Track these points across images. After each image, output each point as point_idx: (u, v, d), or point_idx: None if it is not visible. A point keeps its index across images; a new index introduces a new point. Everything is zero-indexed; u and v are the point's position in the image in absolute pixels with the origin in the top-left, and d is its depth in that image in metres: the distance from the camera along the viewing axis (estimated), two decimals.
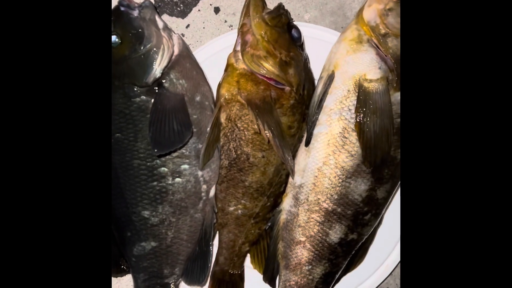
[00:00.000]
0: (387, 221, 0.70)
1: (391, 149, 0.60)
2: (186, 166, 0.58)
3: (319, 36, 0.71)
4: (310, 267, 0.65)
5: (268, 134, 0.58)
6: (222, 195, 0.64)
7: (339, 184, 0.61)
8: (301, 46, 0.63)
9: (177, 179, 0.58)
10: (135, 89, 0.55)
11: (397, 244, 0.73)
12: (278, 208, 0.66)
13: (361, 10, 0.64)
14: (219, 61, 0.65)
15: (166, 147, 0.53)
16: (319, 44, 0.69)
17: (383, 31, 0.60)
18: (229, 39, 0.67)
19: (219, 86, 0.62)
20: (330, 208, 0.62)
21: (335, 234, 0.63)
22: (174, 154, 0.57)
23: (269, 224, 0.67)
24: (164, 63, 0.55)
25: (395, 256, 0.73)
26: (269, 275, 0.68)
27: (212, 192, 0.62)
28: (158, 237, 0.60)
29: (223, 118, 0.61)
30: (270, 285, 0.69)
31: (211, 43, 0.68)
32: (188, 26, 0.74)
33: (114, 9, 0.56)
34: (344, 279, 0.71)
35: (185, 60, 0.58)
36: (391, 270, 0.74)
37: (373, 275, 0.73)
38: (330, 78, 0.62)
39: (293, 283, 0.66)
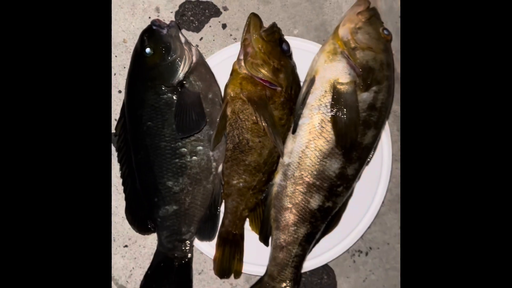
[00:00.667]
0: (357, 194, 0.88)
1: (358, 136, 0.78)
2: (200, 148, 0.76)
3: (305, 47, 0.88)
4: (295, 228, 0.83)
5: (264, 124, 0.76)
6: (227, 171, 0.82)
7: (318, 163, 0.79)
8: (290, 56, 0.81)
9: (194, 157, 0.76)
10: (164, 88, 0.73)
11: (366, 213, 0.90)
12: (271, 182, 0.83)
13: (337, 28, 0.81)
14: (226, 67, 0.82)
15: (187, 132, 0.72)
16: (305, 54, 0.86)
17: (353, 45, 0.78)
18: (234, 50, 0.85)
19: (226, 86, 0.79)
20: (311, 182, 0.80)
21: (315, 202, 0.81)
22: (192, 138, 0.75)
23: (264, 195, 0.84)
24: (186, 69, 0.73)
25: (365, 223, 0.90)
26: (264, 236, 0.85)
27: (220, 168, 0.80)
28: (178, 202, 0.78)
29: (229, 111, 0.79)
30: (264, 244, 0.86)
31: (220, 53, 0.85)
32: (201, 38, 0.91)
33: (148, 28, 0.74)
34: (322, 240, 0.88)
35: (201, 67, 0.75)
36: (361, 234, 0.90)
37: (347, 238, 0.90)
38: (312, 81, 0.79)
39: (282, 240, 0.83)
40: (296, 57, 0.83)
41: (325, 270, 0.94)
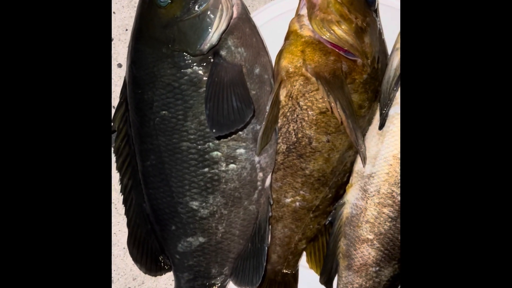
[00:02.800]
0: None
1: None
2: (242, 151, 0.50)
3: (388, 2, 0.61)
4: (377, 268, 0.57)
5: (340, 114, 0.49)
6: (278, 185, 0.56)
7: None
8: (375, 11, 0.54)
9: (231, 165, 0.50)
10: (187, 58, 0.47)
11: None
12: (341, 201, 0.57)
13: None
14: (277, 29, 0.55)
15: (226, 127, 0.45)
16: (388, 10, 0.60)
17: None
18: (288, 4, 0.58)
19: (279, 57, 0.53)
20: None
21: None
22: (230, 137, 0.49)
23: (329, 219, 0.59)
24: (223, 27, 0.46)
25: None
26: (327, 276, 0.60)
27: (268, 181, 0.54)
28: (207, 231, 0.52)
29: (282, 95, 0.53)
30: (326, 287, 0.61)
31: (267, 8, 0.59)
32: None
33: None
34: None
35: (244, 25, 0.49)
36: None
37: None
38: None
39: (357, 285, 0.58)
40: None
41: None
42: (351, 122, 0.50)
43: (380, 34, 0.54)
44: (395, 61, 0.53)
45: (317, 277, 0.61)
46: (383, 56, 0.55)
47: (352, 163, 0.57)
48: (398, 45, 0.54)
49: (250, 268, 0.55)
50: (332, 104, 0.49)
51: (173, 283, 0.61)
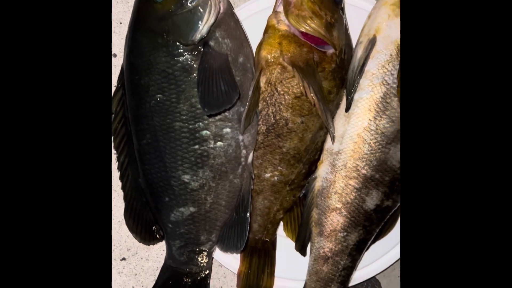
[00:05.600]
0: None
1: None
2: (228, 130, 0.57)
3: (353, 2, 0.69)
4: (345, 233, 0.65)
5: (313, 98, 0.57)
6: (259, 162, 0.63)
7: (379, 150, 0.61)
8: (342, 9, 0.62)
9: (219, 143, 0.57)
10: (180, 47, 0.53)
11: None
12: (313, 176, 0.65)
13: None
14: (257, 24, 0.62)
15: (216, 107, 0.52)
16: (354, 10, 0.68)
17: None
18: (266, 1, 0.65)
19: (259, 48, 0.60)
20: (368, 175, 0.62)
21: (372, 200, 0.63)
22: (217, 117, 0.55)
23: (303, 191, 0.66)
24: (211, 20, 0.52)
25: None
26: (301, 243, 0.68)
27: (250, 158, 0.61)
28: (197, 202, 0.59)
29: (262, 82, 0.60)
30: (301, 253, 0.68)
31: (247, 5, 0.66)
32: None
33: None
34: (372, 247, 0.71)
35: (229, 19, 0.55)
36: None
37: (399, 244, 0.74)
38: (372, 42, 0.60)
39: (328, 249, 0.66)
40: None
41: (370, 283, 0.77)
42: (322, 105, 0.58)
43: (346, 29, 0.62)
44: (359, 53, 0.61)
45: (293, 244, 0.68)
46: (348, 49, 0.63)
47: (323, 142, 0.64)
48: (362, 39, 0.62)
49: (234, 235, 0.62)
50: (306, 89, 0.57)
51: (163, 253, 0.67)
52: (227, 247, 0.63)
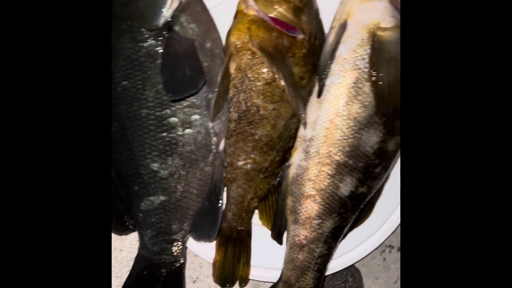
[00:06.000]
0: (392, 177, 0.70)
1: None
2: (197, 117, 0.56)
3: None
4: (320, 221, 0.64)
5: (282, 83, 0.56)
6: (231, 150, 0.62)
7: (352, 136, 0.60)
8: None
9: (188, 130, 0.56)
10: (144, 32, 0.52)
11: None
12: (287, 163, 0.65)
13: None
14: (228, 11, 0.62)
15: (180, 92, 0.51)
16: None
17: None
18: None
19: (229, 34, 0.59)
20: (341, 161, 0.61)
21: (346, 187, 0.63)
22: (185, 104, 0.55)
23: (277, 179, 0.66)
24: (175, 4, 0.52)
25: (399, 213, 0.74)
26: (277, 231, 0.67)
27: (221, 145, 0.60)
28: (167, 190, 0.58)
29: (232, 68, 0.59)
30: (277, 242, 0.68)
31: None
32: None
33: None
34: (349, 235, 0.71)
35: (195, 3, 0.55)
36: (394, 228, 0.74)
37: (378, 231, 0.74)
38: (343, 27, 0.60)
39: (303, 237, 0.65)
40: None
41: (350, 271, 0.77)
42: (292, 91, 0.57)
43: (316, 14, 0.61)
44: (331, 38, 0.61)
45: (269, 232, 0.68)
46: (320, 34, 0.62)
47: (297, 129, 0.64)
48: (333, 24, 0.62)
49: (207, 224, 0.61)
50: (275, 74, 0.56)
51: (137, 243, 0.66)
52: (200, 236, 0.62)
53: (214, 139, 0.58)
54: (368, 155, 0.61)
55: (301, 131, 0.63)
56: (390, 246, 0.79)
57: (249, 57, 0.58)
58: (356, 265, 0.77)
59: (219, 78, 0.57)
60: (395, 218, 0.74)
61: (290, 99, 0.57)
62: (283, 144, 0.64)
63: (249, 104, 0.60)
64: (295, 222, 0.65)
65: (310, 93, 0.63)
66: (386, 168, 0.64)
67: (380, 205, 0.71)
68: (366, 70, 0.59)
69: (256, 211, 0.68)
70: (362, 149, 0.61)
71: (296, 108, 0.58)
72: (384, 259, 0.78)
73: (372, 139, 0.61)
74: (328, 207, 0.64)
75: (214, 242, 0.66)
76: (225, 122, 0.60)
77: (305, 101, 0.63)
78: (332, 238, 0.66)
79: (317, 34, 0.61)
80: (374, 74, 0.58)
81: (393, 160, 0.65)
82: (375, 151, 0.61)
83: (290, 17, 0.56)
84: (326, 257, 0.67)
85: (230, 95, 0.60)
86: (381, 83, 0.58)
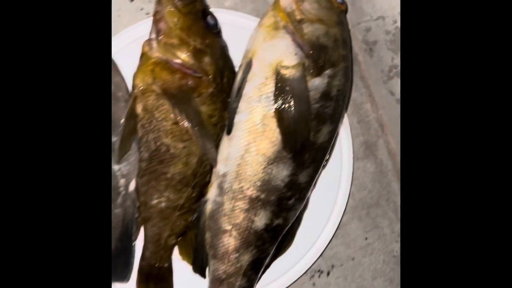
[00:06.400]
0: (313, 204, 0.72)
1: (310, 134, 0.61)
2: None
3: (240, 23, 0.70)
4: (237, 254, 0.65)
5: (187, 125, 0.57)
6: (144, 189, 0.62)
7: (262, 171, 0.61)
8: (218, 33, 0.62)
9: None
10: None
11: (325, 226, 0.75)
12: (204, 199, 0.65)
13: None
14: (136, 50, 0.62)
15: None
16: (240, 31, 0.69)
17: (298, 17, 0.61)
18: (146, 28, 0.65)
19: (134, 75, 0.60)
20: (254, 195, 0.62)
21: (260, 220, 0.64)
22: None
23: (195, 215, 0.66)
24: None
25: (325, 237, 0.75)
26: (199, 266, 0.67)
27: (132, 186, 0.60)
28: None
29: (139, 109, 0.59)
30: (201, 275, 0.68)
31: (126, 32, 0.65)
32: None
33: None
34: (275, 263, 0.72)
35: None
36: (321, 252, 0.75)
37: (304, 257, 0.75)
38: (248, 65, 0.61)
39: (221, 272, 0.66)
40: (230, 36, 0.65)
41: None
42: (198, 131, 0.58)
43: (223, 52, 0.63)
44: (238, 76, 0.62)
45: (191, 267, 0.68)
46: (228, 72, 0.63)
47: (212, 165, 0.65)
48: (242, 62, 0.63)
49: (120, 265, 0.61)
50: (178, 116, 0.57)
51: None
52: (115, 277, 0.62)
53: (122, 180, 0.59)
54: (280, 189, 0.63)
55: (216, 167, 0.64)
56: (319, 270, 0.80)
57: (155, 98, 0.59)
58: None
59: (122, 121, 0.57)
60: (321, 243, 0.75)
61: (194, 139, 0.58)
62: (199, 180, 0.64)
63: (158, 143, 0.60)
64: (214, 257, 0.66)
65: (222, 130, 0.64)
66: (300, 199, 0.66)
67: (303, 232, 0.72)
68: (271, 107, 0.60)
69: (177, 247, 0.68)
70: (273, 183, 0.62)
71: (202, 148, 0.58)
72: (314, 284, 0.80)
73: (282, 173, 0.62)
74: (245, 241, 0.64)
75: (134, 281, 0.66)
76: (134, 163, 0.60)
77: (218, 137, 0.64)
78: (252, 271, 0.67)
79: (225, 72, 0.62)
80: (279, 111, 0.59)
81: (307, 190, 0.66)
82: (286, 184, 0.63)
83: (191, 61, 0.57)
84: None
85: (140, 135, 0.60)
86: (286, 119, 0.59)
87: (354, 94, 0.80)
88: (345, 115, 0.74)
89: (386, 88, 0.77)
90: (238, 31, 0.68)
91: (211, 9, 0.65)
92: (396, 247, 0.83)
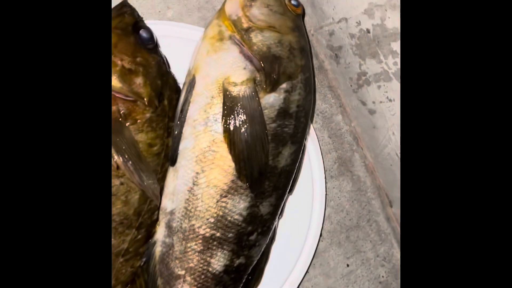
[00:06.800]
0: (282, 234, 0.63)
1: (269, 159, 0.53)
2: None
3: (186, 35, 0.62)
4: None
5: (117, 159, 0.48)
6: None
7: (215, 206, 0.53)
8: (153, 48, 0.54)
9: None
10: None
11: (298, 258, 0.66)
12: (152, 240, 0.56)
13: (223, 3, 0.56)
14: None
15: None
16: (187, 44, 0.60)
17: (245, 25, 0.53)
18: None
19: None
20: (207, 234, 0.54)
21: (218, 262, 0.55)
22: None
23: (144, 259, 0.57)
24: None
25: (300, 268, 0.67)
26: None
27: None
28: None
29: None
30: None
31: None
32: None
33: None
34: None
35: None
36: (297, 285, 0.67)
37: None
38: (191, 83, 0.53)
39: None
40: (174, 50, 0.56)
41: None
42: (133, 165, 0.49)
43: (161, 70, 0.54)
44: (182, 96, 0.54)
45: None
46: (170, 92, 0.55)
47: (158, 203, 0.56)
48: (186, 79, 0.55)
49: None
50: None
51: None
52: None
53: None
54: (238, 223, 0.54)
55: (163, 203, 0.55)
56: None
57: None
58: None
59: None
60: (296, 276, 0.66)
61: (127, 174, 0.49)
62: (144, 220, 0.55)
63: None
64: None
65: (168, 159, 0.55)
66: (264, 232, 0.57)
67: (274, 266, 0.63)
68: (220, 131, 0.51)
69: None
70: (229, 218, 0.54)
71: (139, 184, 0.50)
72: None
73: (239, 206, 0.53)
74: (201, 287, 0.56)
75: None
76: None
77: (164, 168, 0.55)
78: None
79: (165, 92, 0.54)
80: (230, 135, 0.51)
81: (272, 222, 0.58)
82: (245, 218, 0.54)
83: (118, 85, 0.48)
84: None
85: None
86: (238, 144, 0.51)
87: (323, 106, 0.72)
88: (313, 130, 0.66)
89: (357, 98, 0.68)
90: (183, 43, 0.60)
91: (149, 22, 0.56)
92: (382, 271, 0.75)
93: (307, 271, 0.68)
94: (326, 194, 0.68)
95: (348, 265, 0.73)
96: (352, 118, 0.73)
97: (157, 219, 0.56)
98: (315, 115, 0.71)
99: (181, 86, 0.56)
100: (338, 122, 0.73)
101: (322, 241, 0.72)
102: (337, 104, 0.73)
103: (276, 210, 0.57)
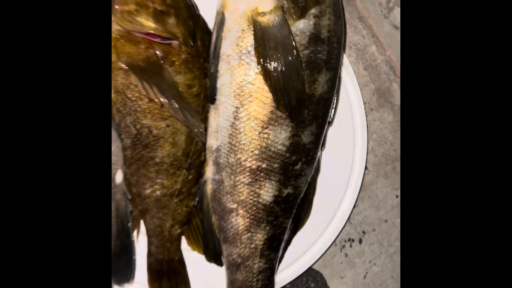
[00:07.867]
0: (327, 167, 0.64)
1: (306, 86, 0.54)
2: None
3: None
4: (249, 234, 0.58)
5: (162, 100, 0.51)
6: (134, 179, 0.57)
7: (257, 138, 0.54)
8: None
9: None
10: None
11: (346, 191, 0.67)
12: (202, 179, 0.59)
13: None
14: None
15: None
16: None
17: None
18: None
19: None
20: (254, 166, 0.55)
21: (267, 193, 0.57)
22: None
23: (197, 199, 0.60)
24: None
25: (348, 201, 0.67)
26: (211, 254, 0.61)
27: (118, 178, 0.55)
28: None
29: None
30: (216, 263, 0.62)
31: None
32: None
33: None
34: (297, 238, 0.65)
35: None
36: (347, 217, 0.67)
37: (328, 227, 0.67)
38: (221, 20, 0.54)
39: (236, 256, 0.59)
40: None
41: (311, 276, 0.70)
42: (177, 105, 0.51)
43: (191, 11, 0.55)
44: (213, 35, 0.55)
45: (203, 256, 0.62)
46: (202, 33, 0.56)
47: (204, 141, 0.58)
48: (216, 18, 0.56)
49: (123, 264, 0.56)
50: (148, 90, 0.50)
51: None
52: (119, 279, 0.56)
53: None
54: (282, 154, 0.55)
55: (208, 142, 0.57)
56: (349, 239, 0.72)
57: (123, 76, 0.52)
58: (316, 267, 0.71)
59: None
60: (345, 208, 0.67)
61: (173, 113, 0.51)
62: (193, 160, 0.58)
63: (138, 126, 0.54)
64: (225, 241, 0.59)
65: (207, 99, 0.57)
66: (309, 162, 0.58)
67: (321, 199, 0.64)
68: (254, 63, 0.52)
69: (184, 237, 0.62)
70: (273, 149, 0.55)
71: (184, 123, 0.52)
72: (346, 255, 0.72)
73: (281, 136, 0.54)
74: (254, 218, 0.58)
75: (145, 279, 0.60)
76: (117, 152, 0.54)
77: (205, 109, 0.57)
78: (270, 250, 0.60)
79: (197, 32, 0.55)
80: (264, 66, 0.52)
81: (315, 151, 0.58)
82: (288, 148, 0.55)
83: (152, 25, 0.50)
84: (268, 271, 0.61)
85: (116, 121, 0.54)
86: (273, 74, 0.52)
87: (356, 38, 0.71)
88: (348, 62, 0.65)
89: (389, 23, 0.67)
90: None
91: None
92: None
93: (355, 205, 0.69)
94: (367, 126, 0.68)
95: (397, 196, 0.73)
96: (386, 47, 0.71)
97: (205, 160, 0.59)
98: (347, 48, 0.71)
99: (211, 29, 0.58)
100: (373, 53, 0.72)
101: (368, 174, 0.72)
102: (369, 34, 0.71)
103: (318, 139, 0.58)
